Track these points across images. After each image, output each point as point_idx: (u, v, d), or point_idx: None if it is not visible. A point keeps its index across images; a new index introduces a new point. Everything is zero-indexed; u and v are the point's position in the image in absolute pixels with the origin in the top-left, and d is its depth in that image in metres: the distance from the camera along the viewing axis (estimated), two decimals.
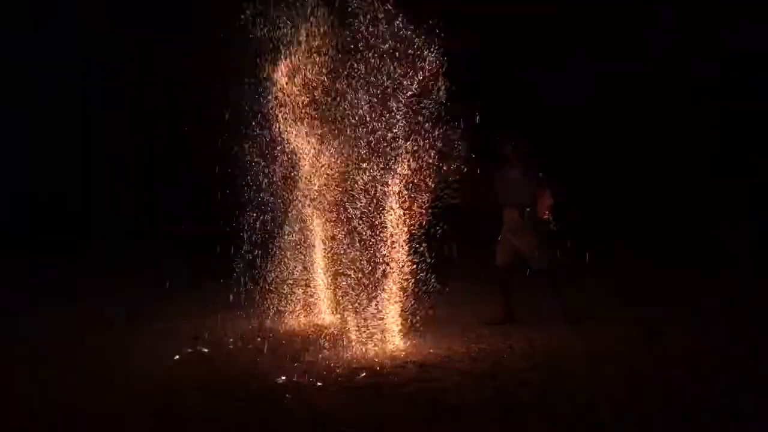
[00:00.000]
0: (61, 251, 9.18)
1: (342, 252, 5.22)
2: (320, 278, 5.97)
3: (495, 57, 10.14)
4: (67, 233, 9.87)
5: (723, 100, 10.33)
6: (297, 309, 6.02)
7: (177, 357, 5.08)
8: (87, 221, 10.22)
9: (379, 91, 5.04)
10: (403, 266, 5.19)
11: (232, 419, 3.83)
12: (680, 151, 10.28)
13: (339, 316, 5.40)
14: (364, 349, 5.06)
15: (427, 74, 5.06)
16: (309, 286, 6.01)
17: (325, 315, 6.01)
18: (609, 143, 10.25)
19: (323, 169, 5.62)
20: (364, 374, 4.58)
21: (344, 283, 5.17)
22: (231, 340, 5.56)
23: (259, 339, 5.55)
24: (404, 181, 5.14)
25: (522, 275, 6.04)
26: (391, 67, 5.01)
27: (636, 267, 8.06)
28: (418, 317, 5.37)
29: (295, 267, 5.98)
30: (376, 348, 5.08)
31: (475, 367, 4.75)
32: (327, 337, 5.31)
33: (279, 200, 5.97)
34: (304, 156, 5.88)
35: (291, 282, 5.99)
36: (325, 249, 5.82)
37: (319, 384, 4.38)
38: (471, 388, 4.27)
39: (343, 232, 5.22)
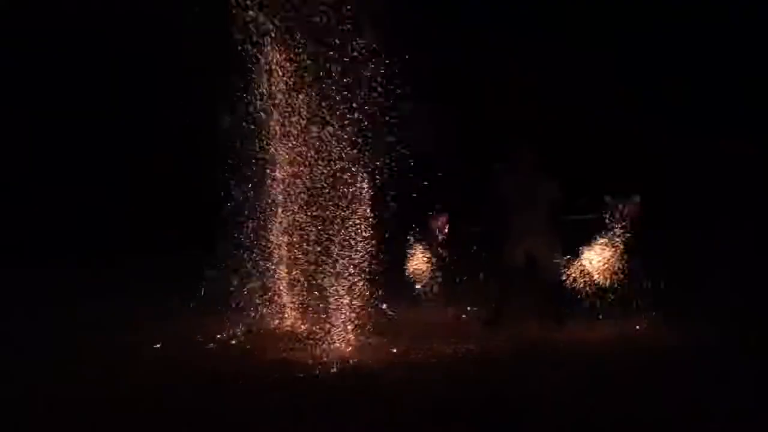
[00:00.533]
0: (50, 253, 9.13)
1: (315, 251, 5.13)
2: (301, 278, 5.80)
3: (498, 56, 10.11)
4: (61, 235, 9.83)
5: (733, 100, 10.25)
6: (279, 309, 5.90)
7: (162, 357, 5.01)
8: (80, 224, 10.16)
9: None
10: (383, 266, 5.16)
11: (224, 419, 3.76)
12: (684, 152, 10.21)
13: (321, 316, 5.29)
14: (349, 350, 5.00)
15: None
16: (289, 287, 5.88)
17: (310, 315, 5.84)
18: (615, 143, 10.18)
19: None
20: (352, 375, 4.50)
21: (326, 282, 5.12)
22: (217, 340, 5.48)
23: (243, 339, 5.47)
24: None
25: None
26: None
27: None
28: (403, 317, 5.31)
29: (273, 267, 5.86)
30: (362, 348, 5.02)
31: (464, 368, 4.67)
32: (312, 338, 5.21)
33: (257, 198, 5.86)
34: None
35: (271, 281, 5.87)
36: (298, 247, 5.69)
37: (306, 385, 4.30)
38: (461, 388, 4.19)
39: (315, 228, 5.14)
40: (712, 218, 9.07)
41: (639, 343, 5.22)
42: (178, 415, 3.79)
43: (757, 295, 6.38)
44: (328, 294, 5.25)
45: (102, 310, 6.51)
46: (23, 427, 3.71)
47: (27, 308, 6.62)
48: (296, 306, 5.91)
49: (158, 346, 5.32)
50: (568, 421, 3.60)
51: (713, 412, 3.67)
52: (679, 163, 10.07)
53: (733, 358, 4.64)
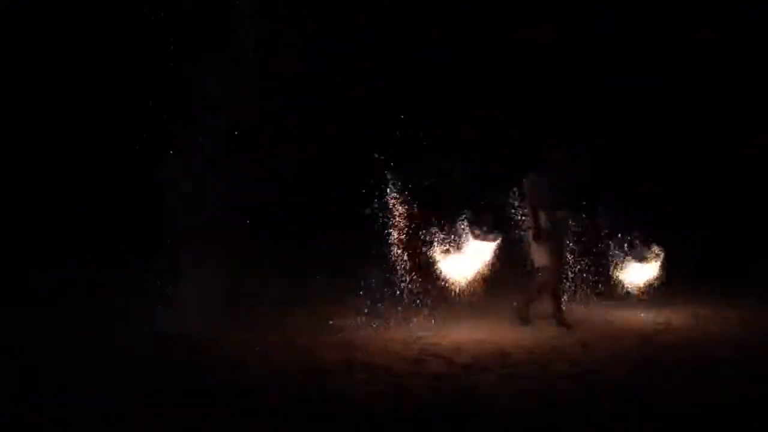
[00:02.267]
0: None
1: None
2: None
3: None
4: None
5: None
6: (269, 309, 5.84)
7: (152, 357, 4.89)
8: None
9: None
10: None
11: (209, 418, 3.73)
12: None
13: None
14: (326, 352, 4.96)
15: None
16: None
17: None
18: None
19: None
20: (335, 378, 4.40)
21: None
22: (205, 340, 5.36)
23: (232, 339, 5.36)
24: None
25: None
26: None
27: None
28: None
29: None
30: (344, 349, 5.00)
31: (446, 370, 4.59)
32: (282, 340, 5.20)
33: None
34: None
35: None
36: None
37: (280, 391, 4.17)
38: (447, 392, 4.12)
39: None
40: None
41: (634, 345, 5.22)
42: (170, 416, 3.72)
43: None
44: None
45: (83, 310, 6.38)
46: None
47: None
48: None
49: (144, 345, 5.22)
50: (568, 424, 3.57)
51: (714, 413, 3.68)
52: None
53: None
